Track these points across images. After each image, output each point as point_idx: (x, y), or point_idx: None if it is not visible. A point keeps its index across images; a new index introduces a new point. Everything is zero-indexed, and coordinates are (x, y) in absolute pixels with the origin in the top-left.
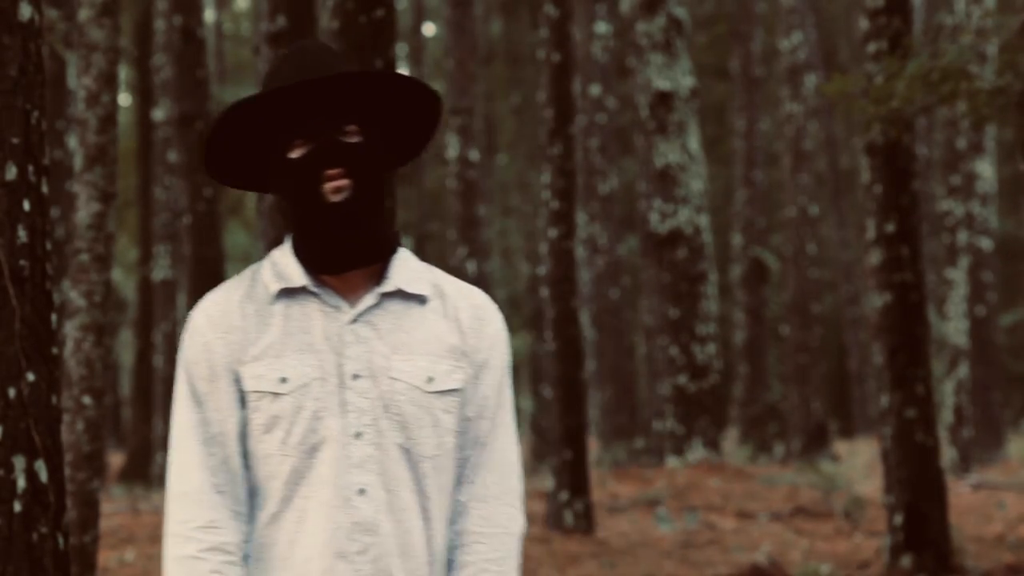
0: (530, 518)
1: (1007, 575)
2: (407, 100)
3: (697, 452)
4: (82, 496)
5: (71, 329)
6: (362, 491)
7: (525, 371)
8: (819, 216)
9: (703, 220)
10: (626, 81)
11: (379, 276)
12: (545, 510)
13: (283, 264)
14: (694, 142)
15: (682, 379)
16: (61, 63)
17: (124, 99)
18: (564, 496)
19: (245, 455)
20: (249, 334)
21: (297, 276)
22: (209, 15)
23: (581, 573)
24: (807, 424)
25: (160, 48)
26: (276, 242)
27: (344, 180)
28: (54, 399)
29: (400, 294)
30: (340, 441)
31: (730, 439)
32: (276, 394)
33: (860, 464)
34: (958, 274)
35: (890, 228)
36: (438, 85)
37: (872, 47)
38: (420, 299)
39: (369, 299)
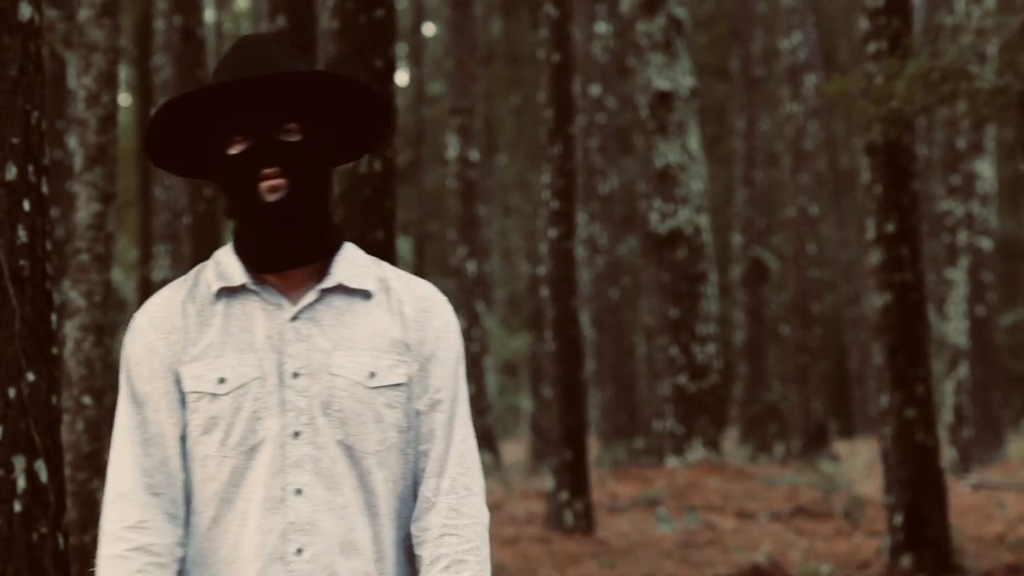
0: (530, 518)
1: (1007, 575)
2: (351, 101)
3: (697, 452)
4: (82, 496)
5: (71, 329)
6: (299, 491)
7: (525, 371)
8: (819, 216)
9: (703, 220)
10: (626, 81)
11: (322, 273)
12: (545, 510)
13: (225, 263)
14: (694, 142)
15: (682, 379)
16: (61, 63)
17: (124, 99)
18: (564, 496)
19: (185, 457)
20: (189, 334)
21: (238, 275)
22: (209, 15)
23: (581, 573)
24: (807, 424)
25: (160, 48)
26: None
27: (280, 180)
28: (54, 399)
29: (342, 289)
30: (277, 441)
31: (730, 439)
32: (214, 395)
33: (860, 464)
34: (958, 274)
35: (890, 228)
36: (438, 85)
37: (872, 47)
38: (364, 294)
39: (310, 296)
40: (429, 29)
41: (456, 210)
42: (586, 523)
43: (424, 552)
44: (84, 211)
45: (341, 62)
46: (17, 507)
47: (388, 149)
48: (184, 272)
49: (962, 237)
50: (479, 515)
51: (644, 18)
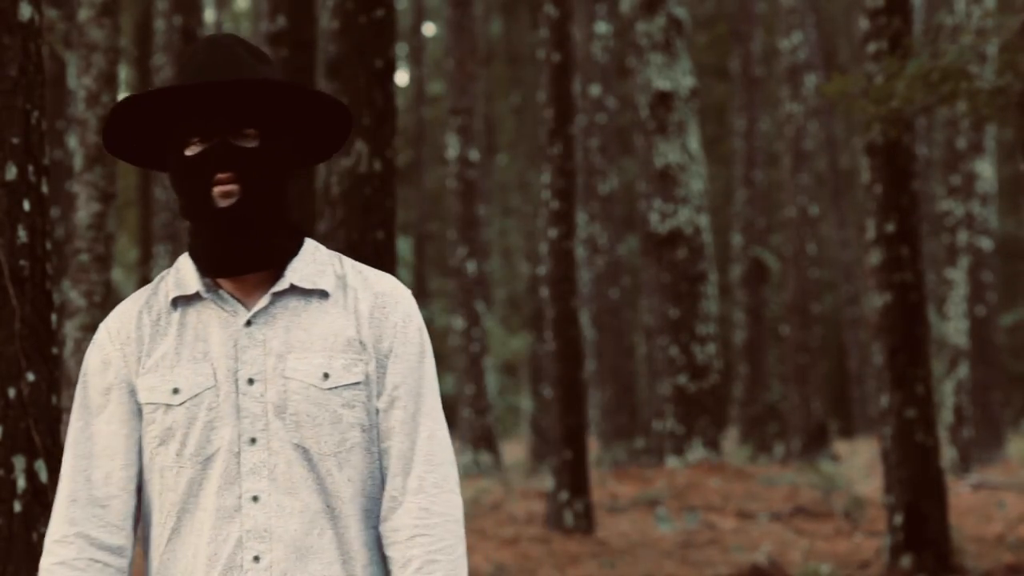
0: (530, 518)
1: (1007, 575)
2: (312, 111)
3: (697, 452)
4: None
5: (71, 329)
6: (255, 498)
7: (525, 371)
8: (819, 216)
9: (703, 220)
10: (626, 81)
11: (278, 276)
12: (545, 510)
13: (184, 270)
14: (694, 142)
15: (682, 379)
16: (61, 63)
17: None
18: (564, 496)
19: (142, 469)
20: (144, 345)
21: (193, 283)
22: (209, 15)
23: (581, 573)
24: (807, 424)
25: (160, 48)
26: None
27: (233, 185)
28: (54, 399)
29: (297, 291)
30: (232, 449)
31: (730, 439)
32: (168, 405)
33: (860, 464)
34: (958, 274)
35: (890, 228)
36: (438, 85)
37: (872, 47)
38: (320, 294)
39: (263, 300)
40: (429, 29)
41: (456, 210)
42: (586, 523)
43: (395, 553)
44: (84, 211)
45: (341, 62)
46: (17, 507)
47: (388, 149)
48: None
49: (962, 237)
50: (451, 512)
51: (644, 18)
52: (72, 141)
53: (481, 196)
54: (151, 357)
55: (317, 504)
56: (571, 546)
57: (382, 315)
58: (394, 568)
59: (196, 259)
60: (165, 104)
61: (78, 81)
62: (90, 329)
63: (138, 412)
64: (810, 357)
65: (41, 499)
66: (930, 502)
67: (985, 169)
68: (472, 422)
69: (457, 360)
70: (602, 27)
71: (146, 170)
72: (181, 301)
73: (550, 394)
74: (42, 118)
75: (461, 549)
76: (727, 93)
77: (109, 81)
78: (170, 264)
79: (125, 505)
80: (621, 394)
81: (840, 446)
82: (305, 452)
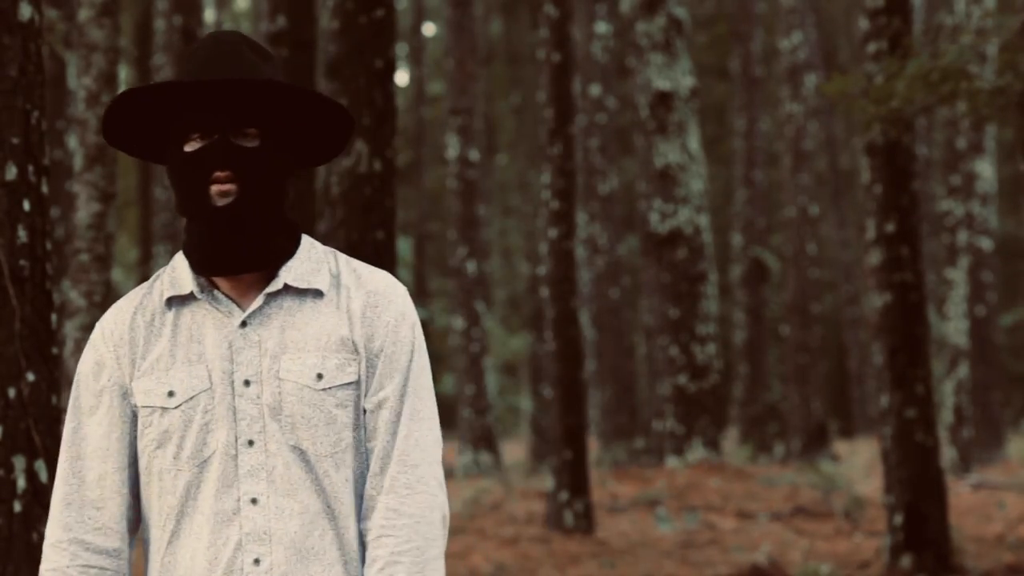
0: (530, 518)
1: (1007, 575)
2: (314, 113)
3: (697, 452)
4: None
5: (71, 329)
6: (254, 500)
7: (525, 371)
8: (819, 216)
9: (703, 220)
10: (626, 81)
11: (273, 276)
12: (545, 510)
13: (179, 269)
14: (694, 142)
15: (682, 379)
16: (61, 63)
17: None
18: (564, 496)
19: (139, 472)
20: (137, 347)
21: (187, 282)
22: (209, 15)
23: (581, 573)
24: (807, 424)
25: (160, 48)
26: None
27: (230, 185)
28: (54, 399)
29: (291, 290)
30: (229, 452)
31: (730, 439)
32: (164, 408)
33: (860, 464)
34: (958, 274)
35: (890, 228)
36: (438, 85)
37: (872, 47)
38: (315, 293)
39: (257, 301)
40: (429, 29)
41: (456, 210)
42: (586, 523)
43: (366, 552)
44: (84, 211)
45: (341, 62)
46: (17, 507)
47: (388, 149)
48: None
49: (962, 237)
50: (423, 513)
51: (644, 18)
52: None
53: (481, 196)
54: (146, 360)
55: (317, 505)
56: (571, 546)
57: (374, 314)
58: (364, 567)
59: (189, 256)
60: (166, 98)
61: (78, 81)
62: (90, 329)
63: (131, 414)
64: (810, 357)
65: (41, 499)
66: (930, 502)
67: (985, 169)
68: (472, 422)
69: (457, 360)
70: (602, 27)
71: (146, 170)
72: (175, 301)
73: (550, 394)
74: (42, 118)
75: (433, 551)
76: (727, 93)
77: (109, 81)
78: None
79: (119, 507)
80: (621, 394)
81: (840, 446)
82: (302, 453)
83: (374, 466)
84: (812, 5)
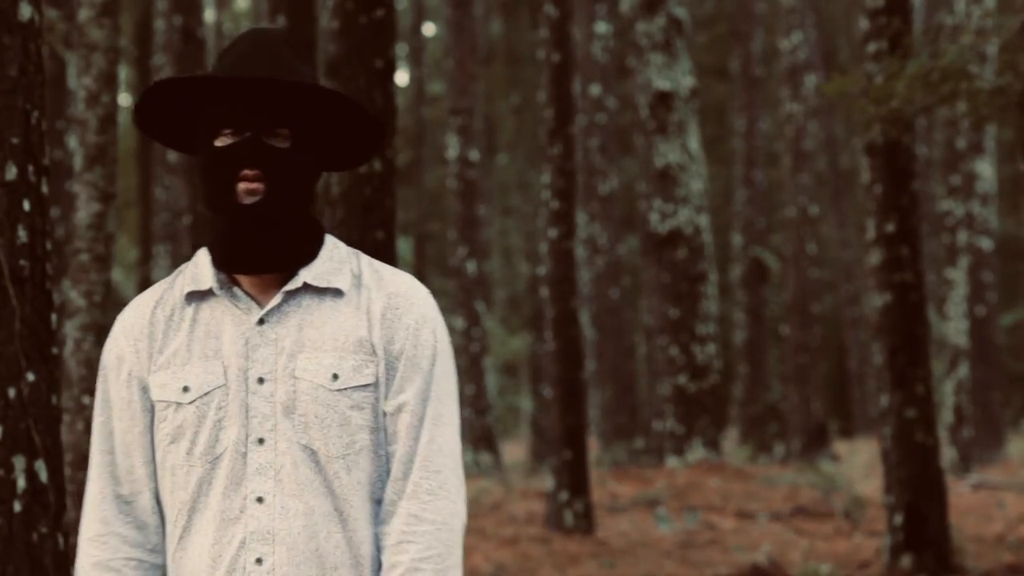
0: (530, 518)
1: (1007, 575)
2: (346, 120)
3: (697, 452)
4: (82, 496)
5: (71, 329)
6: (260, 499)
7: (525, 371)
8: (819, 216)
9: (703, 220)
10: (626, 81)
11: (294, 274)
12: (545, 510)
13: (202, 264)
14: (694, 142)
15: (682, 379)
16: (61, 63)
17: (124, 99)
18: (564, 496)
19: (157, 466)
20: (156, 342)
21: (208, 278)
22: (209, 15)
23: (581, 573)
24: (807, 424)
25: (160, 48)
26: None
27: (258, 184)
28: (54, 399)
29: (310, 289)
30: (239, 449)
31: (730, 439)
32: (179, 403)
33: (860, 464)
34: (958, 274)
35: (890, 228)
36: (438, 85)
37: (872, 47)
38: (335, 292)
39: (276, 299)
40: (429, 29)
41: (456, 210)
42: (586, 523)
43: (384, 558)
44: (84, 211)
45: (341, 62)
46: (17, 507)
47: (388, 149)
48: None
49: (962, 237)
50: (445, 520)
51: (644, 18)
52: (72, 141)
53: (481, 196)
54: (163, 354)
55: (324, 507)
56: (571, 546)
57: (394, 316)
58: (382, 572)
59: (213, 252)
60: (201, 91)
61: (78, 81)
62: (90, 329)
63: (151, 408)
64: (810, 357)
65: (41, 499)
66: (930, 502)
67: (985, 169)
68: (472, 422)
69: (457, 360)
70: (602, 27)
71: (146, 170)
72: (195, 296)
73: (550, 394)
74: (42, 118)
75: (452, 559)
76: (727, 93)
77: (109, 81)
78: (171, 264)
79: (150, 501)
80: (621, 394)
81: (840, 446)
82: (313, 454)
83: (395, 471)
84: (812, 5)
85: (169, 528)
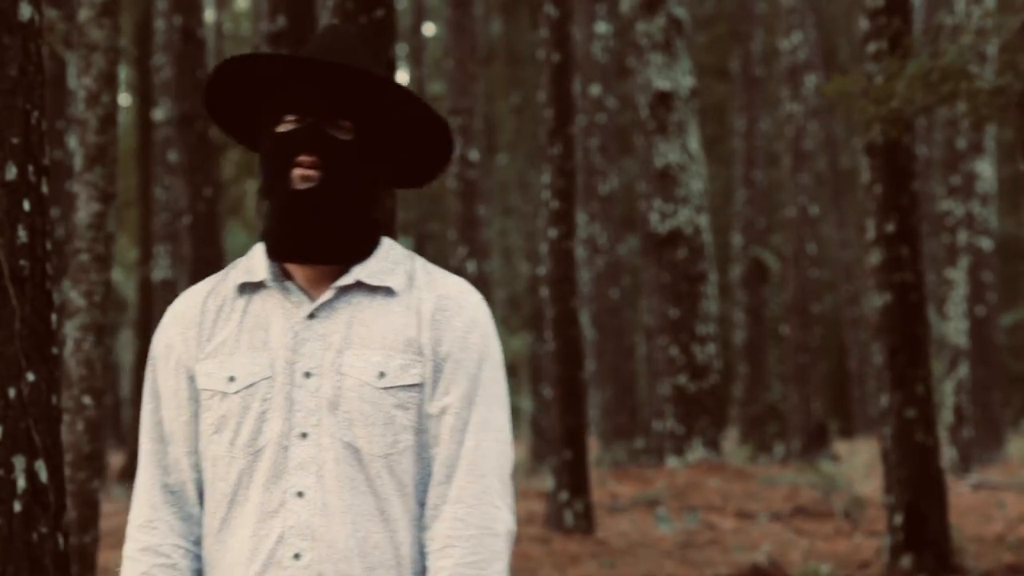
0: (530, 518)
1: (1007, 575)
2: (414, 123)
3: (697, 452)
4: (82, 496)
5: (71, 329)
6: (300, 494)
7: (525, 371)
8: (819, 216)
9: (703, 220)
10: (626, 81)
11: (347, 270)
12: (545, 510)
13: (256, 257)
14: (694, 142)
15: (682, 379)
16: (61, 63)
17: (124, 99)
18: (564, 496)
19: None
20: (205, 330)
21: (261, 270)
22: (209, 15)
23: (581, 573)
24: (807, 424)
25: (160, 48)
26: None
27: (313, 171)
28: (54, 399)
29: (362, 287)
30: (282, 443)
31: (730, 439)
32: (224, 393)
33: (860, 464)
34: (958, 274)
35: (890, 228)
36: (438, 85)
37: (872, 47)
38: (387, 291)
39: (327, 293)
40: (429, 29)
41: (456, 210)
42: (586, 523)
43: (429, 562)
44: (84, 211)
45: None
46: (17, 507)
47: None
48: (184, 272)
49: (962, 237)
50: (491, 526)
51: (644, 18)
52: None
53: (481, 196)
54: (211, 342)
55: (365, 505)
56: (571, 546)
57: (444, 318)
58: None
59: (265, 239)
60: (268, 73)
61: (78, 81)
62: (90, 329)
63: (197, 397)
64: (810, 357)
65: (41, 499)
66: (930, 502)
67: (985, 169)
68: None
69: None
70: (602, 27)
71: (146, 170)
72: (248, 288)
73: (550, 394)
74: (42, 118)
75: (498, 565)
76: (727, 93)
77: (109, 81)
78: (171, 264)
79: (194, 492)
80: (621, 394)
81: (840, 446)
82: (356, 451)
83: (438, 474)
84: (812, 5)
85: (207, 519)
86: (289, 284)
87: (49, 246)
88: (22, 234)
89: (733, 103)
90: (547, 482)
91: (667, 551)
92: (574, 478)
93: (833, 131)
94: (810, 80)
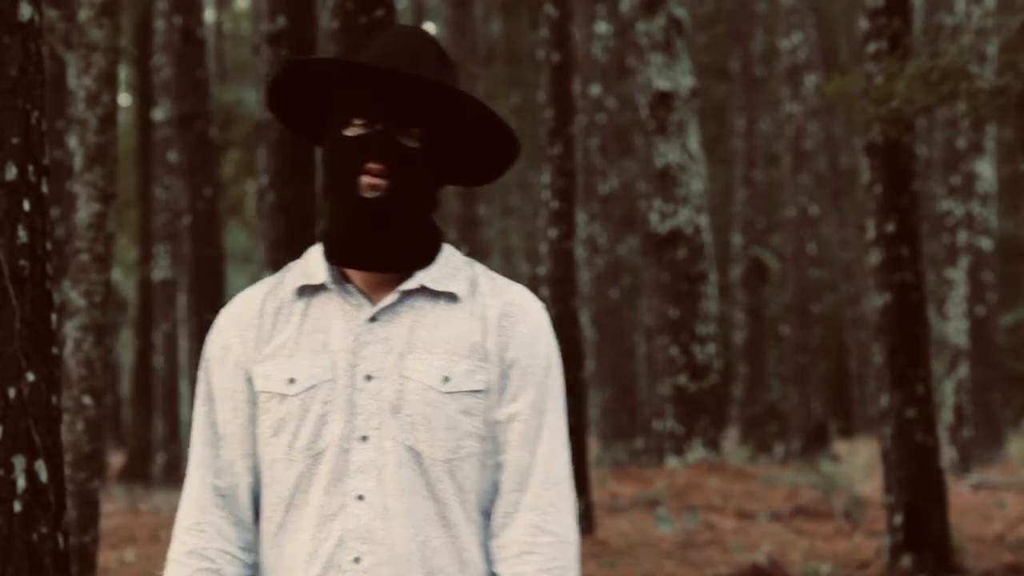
0: None
1: (1007, 575)
2: (482, 131)
3: (697, 452)
4: (82, 496)
5: (71, 329)
6: (360, 497)
7: None
8: (819, 216)
9: (703, 220)
10: (626, 81)
11: (409, 274)
12: None
13: (313, 260)
14: (694, 142)
15: (682, 379)
16: (61, 63)
17: (124, 99)
18: None
19: (256, 459)
20: (263, 332)
21: (320, 273)
22: (209, 15)
23: (581, 573)
24: (807, 424)
25: (160, 48)
26: (276, 242)
27: (381, 180)
28: (54, 399)
29: (425, 291)
30: (343, 446)
31: (730, 439)
32: (283, 395)
33: (860, 464)
34: (958, 274)
35: (890, 228)
36: None
37: (872, 47)
38: (449, 296)
39: (390, 297)
40: (429, 29)
41: (456, 210)
42: (586, 523)
43: (503, 570)
44: (84, 211)
45: None
46: (17, 507)
47: None
48: (184, 272)
49: (962, 237)
50: (565, 534)
51: (644, 18)
52: (72, 141)
53: (481, 196)
54: (270, 344)
55: (426, 510)
56: None
57: (509, 324)
58: None
59: (325, 243)
60: (338, 76)
61: (78, 81)
62: (90, 329)
63: (254, 400)
64: (810, 357)
65: (41, 499)
66: (930, 502)
67: (985, 169)
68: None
69: None
70: (602, 27)
71: (146, 170)
72: (307, 291)
73: None
74: (42, 118)
75: (572, 574)
76: (727, 93)
77: (109, 81)
78: (171, 264)
79: (247, 496)
80: (621, 394)
81: (840, 446)
82: (417, 455)
83: (509, 482)
84: (812, 5)
85: (264, 523)
86: (350, 287)
87: (49, 246)
88: (22, 234)
89: (733, 103)
90: None
91: (667, 551)
92: (574, 478)
93: (833, 131)
94: (810, 80)
